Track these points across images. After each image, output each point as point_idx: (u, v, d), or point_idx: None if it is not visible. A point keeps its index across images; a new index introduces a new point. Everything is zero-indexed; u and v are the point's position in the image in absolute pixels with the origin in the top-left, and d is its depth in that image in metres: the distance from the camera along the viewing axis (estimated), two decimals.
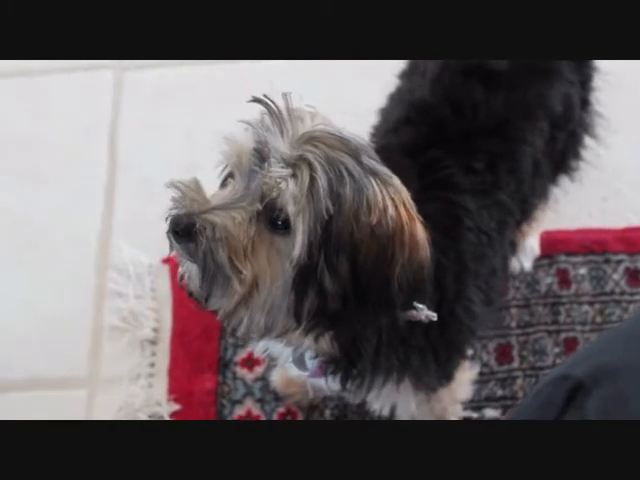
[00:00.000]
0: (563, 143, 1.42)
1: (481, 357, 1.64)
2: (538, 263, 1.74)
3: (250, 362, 1.67)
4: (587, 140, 1.53)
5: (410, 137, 1.26)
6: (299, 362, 1.16)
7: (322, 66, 1.83)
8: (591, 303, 1.70)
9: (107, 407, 1.65)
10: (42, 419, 1.22)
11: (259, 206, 0.96)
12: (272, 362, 1.60)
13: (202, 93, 2.04)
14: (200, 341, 1.69)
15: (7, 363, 1.72)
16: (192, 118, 2.00)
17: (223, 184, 1.05)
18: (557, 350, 1.65)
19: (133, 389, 1.67)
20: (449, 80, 1.31)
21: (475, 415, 1.60)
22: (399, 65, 1.44)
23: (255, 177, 0.96)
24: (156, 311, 1.76)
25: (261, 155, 0.96)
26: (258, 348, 1.24)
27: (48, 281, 1.81)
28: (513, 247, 1.39)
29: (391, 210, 0.97)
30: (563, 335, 1.67)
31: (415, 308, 1.07)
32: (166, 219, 0.99)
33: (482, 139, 1.27)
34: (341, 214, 0.95)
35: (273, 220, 0.96)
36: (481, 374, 1.59)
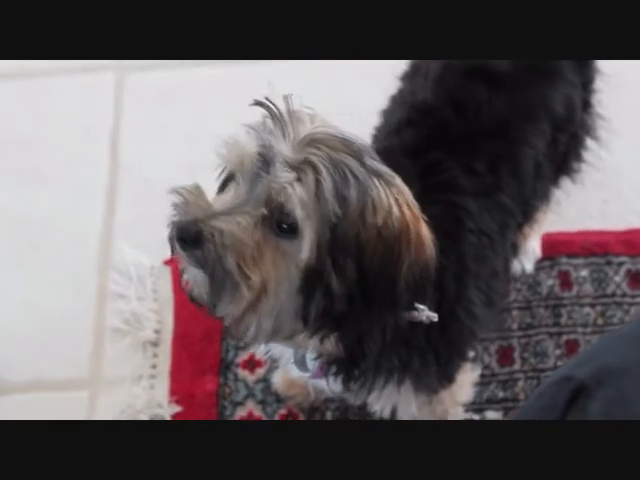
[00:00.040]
0: (564, 145, 1.41)
1: (482, 359, 1.64)
2: (539, 265, 1.74)
3: (251, 364, 1.67)
4: (588, 142, 1.53)
5: (412, 139, 1.26)
6: (300, 363, 1.16)
7: (322, 66, 1.83)
8: (592, 305, 1.70)
9: (109, 409, 1.65)
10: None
11: (264, 210, 0.96)
12: (274, 364, 1.59)
13: (203, 94, 2.04)
14: (202, 343, 1.69)
15: (7, 364, 1.72)
16: (193, 119, 2.00)
17: (222, 188, 1.04)
18: (558, 352, 1.65)
19: (135, 391, 1.67)
20: (451, 81, 1.31)
21: (476, 417, 1.59)
22: (400, 66, 1.44)
23: (259, 181, 0.96)
24: (158, 313, 1.76)
25: (265, 159, 0.96)
26: (260, 350, 1.24)
27: (48, 281, 1.81)
28: (514, 249, 1.39)
29: (396, 210, 0.97)
30: (564, 337, 1.67)
31: (416, 309, 1.07)
32: (169, 226, 0.99)
33: (484, 141, 1.27)
34: (347, 216, 0.94)
35: (279, 224, 0.96)
36: (482, 376, 1.59)
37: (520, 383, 1.63)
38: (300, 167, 0.94)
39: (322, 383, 1.20)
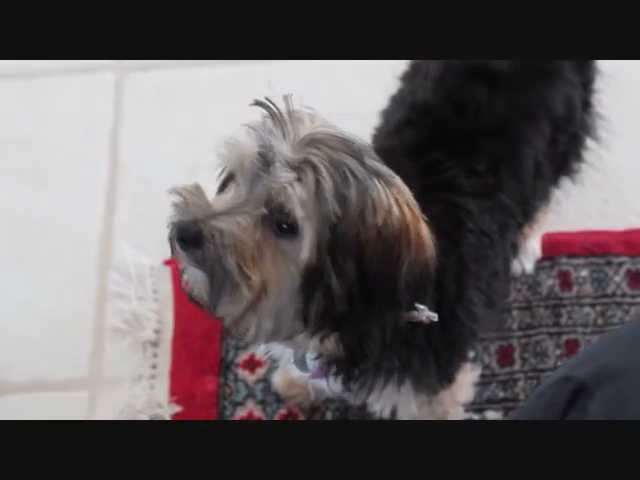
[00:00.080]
0: (564, 145, 1.41)
1: (482, 359, 1.64)
2: (539, 265, 1.74)
3: (252, 364, 1.67)
4: (588, 142, 1.53)
5: (412, 139, 1.26)
6: (300, 363, 1.16)
7: (322, 66, 1.83)
8: (592, 305, 1.70)
9: (109, 409, 1.65)
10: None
11: (264, 210, 0.96)
12: (274, 364, 1.59)
13: (203, 94, 2.04)
14: (202, 343, 1.69)
15: (7, 364, 1.72)
16: (193, 119, 2.00)
17: (222, 188, 1.04)
18: (558, 352, 1.65)
19: (135, 391, 1.67)
20: (451, 81, 1.31)
21: (476, 417, 1.59)
22: (400, 66, 1.44)
23: (259, 181, 0.96)
24: (158, 313, 1.76)
25: (265, 159, 0.96)
26: (260, 350, 1.24)
27: (48, 281, 1.81)
28: (514, 249, 1.39)
29: (396, 210, 0.97)
30: (564, 337, 1.67)
31: (416, 309, 1.07)
32: (169, 226, 0.99)
33: (484, 141, 1.27)
34: (347, 216, 0.94)
35: (279, 224, 0.96)
36: (482, 376, 1.59)
37: (520, 383, 1.63)
38: (300, 167, 0.94)
39: (322, 383, 1.20)
